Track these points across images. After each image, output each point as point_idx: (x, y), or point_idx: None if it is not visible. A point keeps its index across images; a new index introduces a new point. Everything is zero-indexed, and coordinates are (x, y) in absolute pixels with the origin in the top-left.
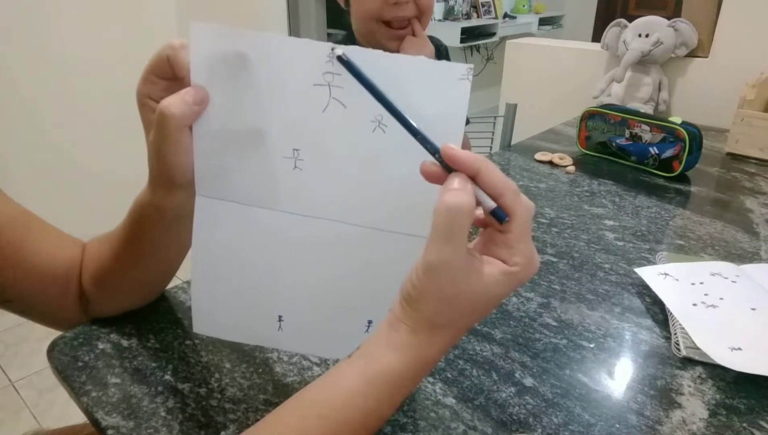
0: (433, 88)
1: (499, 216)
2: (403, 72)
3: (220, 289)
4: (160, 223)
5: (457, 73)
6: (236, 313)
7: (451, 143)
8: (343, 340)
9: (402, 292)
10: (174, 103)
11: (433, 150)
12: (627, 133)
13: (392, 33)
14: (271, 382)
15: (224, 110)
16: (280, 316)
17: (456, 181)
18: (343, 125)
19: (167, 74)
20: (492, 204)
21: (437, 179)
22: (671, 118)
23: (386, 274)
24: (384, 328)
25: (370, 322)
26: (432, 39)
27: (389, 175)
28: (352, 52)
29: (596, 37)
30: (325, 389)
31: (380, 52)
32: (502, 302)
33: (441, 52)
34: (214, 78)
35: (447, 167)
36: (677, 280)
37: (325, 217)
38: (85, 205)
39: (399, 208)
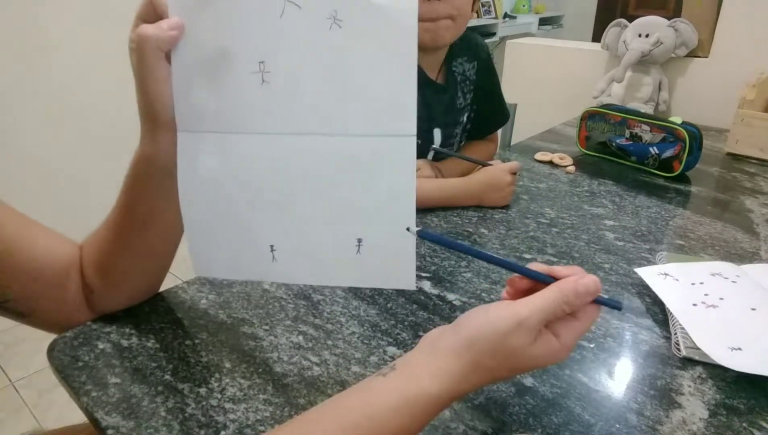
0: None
1: (614, 304)
2: None
3: (212, 226)
4: (151, 177)
5: None
6: (230, 248)
7: (404, 30)
8: (335, 264)
9: (463, 327)
10: (150, 27)
11: (544, 279)
12: (627, 133)
13: (420, 25)
14: (271, 382)
15: (198, 39)
16: (272, 246)
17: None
18: (301, 28)
19: (153, 18)
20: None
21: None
22: (671, 118)
23: (368, 182)
24: (425, 354)
25: (359, 240)
26: (477, 39)
27: (352, 74)
28: None
29: (596, 37)
30: (362, 400)
31: None
32: None
33: (486, 53)
34: (188, 10)
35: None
36: (677, 280)
37: (298, 131)
38: (85, 206)
39: (367, 107)
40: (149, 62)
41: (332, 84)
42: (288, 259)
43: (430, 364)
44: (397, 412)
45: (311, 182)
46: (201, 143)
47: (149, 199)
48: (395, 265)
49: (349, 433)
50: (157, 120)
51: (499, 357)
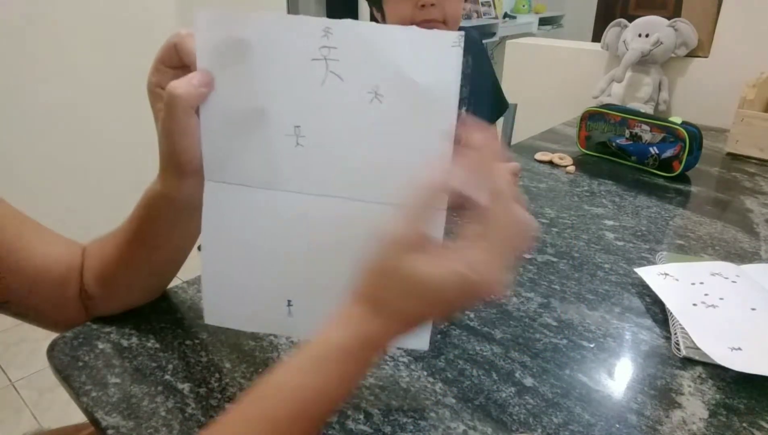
0: (424, 56)
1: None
2: (395, 41)
3: (230, 277)
4: (169, 213)
5: (449, 41)
6: (246, 300)
7: (444, 112)
8: None
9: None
10: (180, 85)
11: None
12: (627, 133)
13: None
14: None
15: (229, 93)
16: (289, 301)
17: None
18: (341, 98)
19: (176, 63)
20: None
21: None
22: (671, 118)
23: None
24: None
25: None
26: (470, 34)
27: (389, 148)
28: (343, 23)
29: (596, 37)
30: (278, 381)
31: (371, 23)
32: (502, 302)
33: (479, 46)
34: (219, 63)
35: None
36: (677, 280)
37: (329, 194)
38: (86, 206)
39: (401, 180)
40: (178, 118)
41: (367, 154)
42: (304, 315)
43: (338, 314)
44: (309, 375)
45: (335, 243)
46: (228, 194)
47: (163, 229)
48: None
49: (269, 418)
50: (182, 170)
51: (386, 284)
